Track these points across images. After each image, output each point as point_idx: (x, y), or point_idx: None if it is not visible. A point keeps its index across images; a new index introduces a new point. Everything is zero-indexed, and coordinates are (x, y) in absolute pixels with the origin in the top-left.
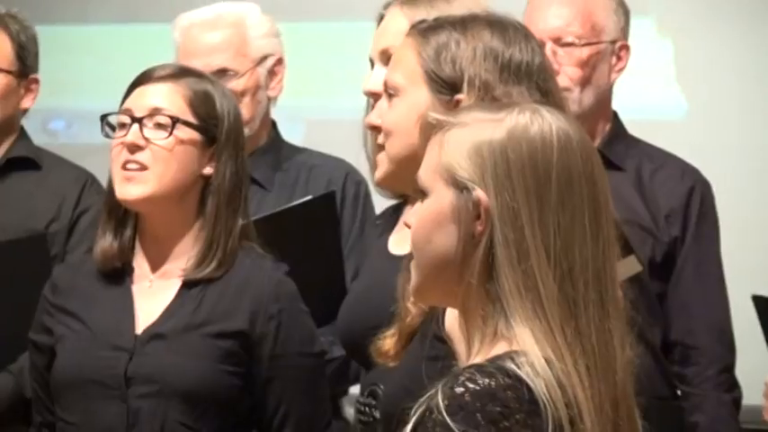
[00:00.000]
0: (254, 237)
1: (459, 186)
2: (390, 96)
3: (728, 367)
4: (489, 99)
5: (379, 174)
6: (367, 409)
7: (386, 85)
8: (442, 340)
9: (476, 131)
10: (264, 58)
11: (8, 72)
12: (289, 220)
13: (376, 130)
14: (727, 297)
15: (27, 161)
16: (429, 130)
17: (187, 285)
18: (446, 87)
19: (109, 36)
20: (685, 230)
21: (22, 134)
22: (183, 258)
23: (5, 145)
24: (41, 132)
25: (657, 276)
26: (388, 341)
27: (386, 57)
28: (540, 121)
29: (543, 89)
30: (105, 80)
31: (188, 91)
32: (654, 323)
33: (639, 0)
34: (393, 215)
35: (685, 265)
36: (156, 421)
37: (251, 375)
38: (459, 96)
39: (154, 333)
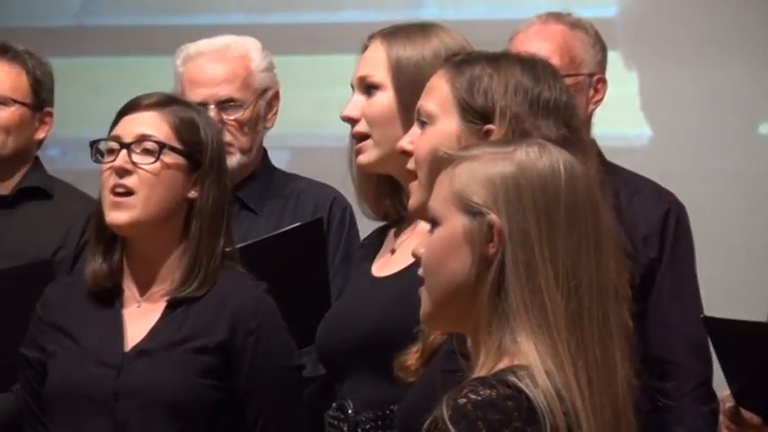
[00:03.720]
0: (236, 257)
1: (473, 212)
2: (423, 124)
3: (705, 381)
4: (519, 131)
5: (413, 202)
6: (336, 422)
7: (419, 112)
8: (463, 355)
9: (487, 163)
10: (265, 90)
11: (23, 104)
12: (278, 245)
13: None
14: (702, 313)
15: (39, 191)
16: (438, 164)
17: (172, 305)
18: (477, 117)
19: (102, 68)
20: (662, 252)
21: (36, 164)
22: (168, 280)
23: (19, 175)
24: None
25: (636, 297)
26: (411, 357)
27: (363, 84)
28: (548, 154)
29: (569, 125)
30: (98, 110)
31: (174, 118)
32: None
33: (608, 35)
34: (378, 238)
35: (663, 284)
36: None
37: (231, 388)
38: (489, 126)
39: (140, 350)
